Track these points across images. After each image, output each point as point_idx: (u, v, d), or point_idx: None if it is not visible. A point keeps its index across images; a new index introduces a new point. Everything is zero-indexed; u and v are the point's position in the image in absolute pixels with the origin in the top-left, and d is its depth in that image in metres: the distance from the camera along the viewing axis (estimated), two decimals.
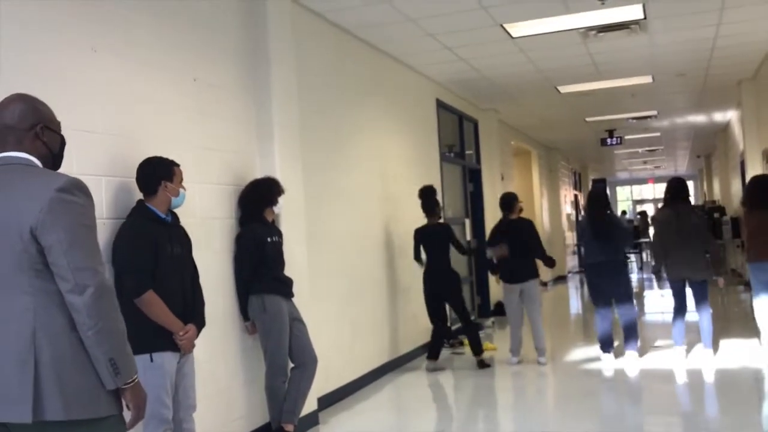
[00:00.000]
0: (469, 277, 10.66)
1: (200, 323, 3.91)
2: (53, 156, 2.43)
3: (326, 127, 6.37)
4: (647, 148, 19.87)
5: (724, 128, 16.10)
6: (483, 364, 7.29)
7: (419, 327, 8.03)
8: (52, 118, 2.43)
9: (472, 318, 10.32)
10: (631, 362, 6.91)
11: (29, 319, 2.17)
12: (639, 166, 26.14)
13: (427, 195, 7.38)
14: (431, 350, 7.41)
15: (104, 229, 3.70)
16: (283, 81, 5.38)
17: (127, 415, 2.33)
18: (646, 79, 10.10)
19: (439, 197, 7.78)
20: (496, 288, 11.52)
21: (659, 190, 31.85)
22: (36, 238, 2.17)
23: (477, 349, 7.34)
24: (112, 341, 2.22)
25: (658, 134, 16.71)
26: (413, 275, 7.68)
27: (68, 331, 2.20)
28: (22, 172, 2.29)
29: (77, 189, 2.25)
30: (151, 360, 3.57)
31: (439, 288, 7.25)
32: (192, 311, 3.85)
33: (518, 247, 7.27)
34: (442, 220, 7.69)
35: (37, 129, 2.35)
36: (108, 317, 2.22)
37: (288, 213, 5.21)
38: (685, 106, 13.00)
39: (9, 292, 2.19)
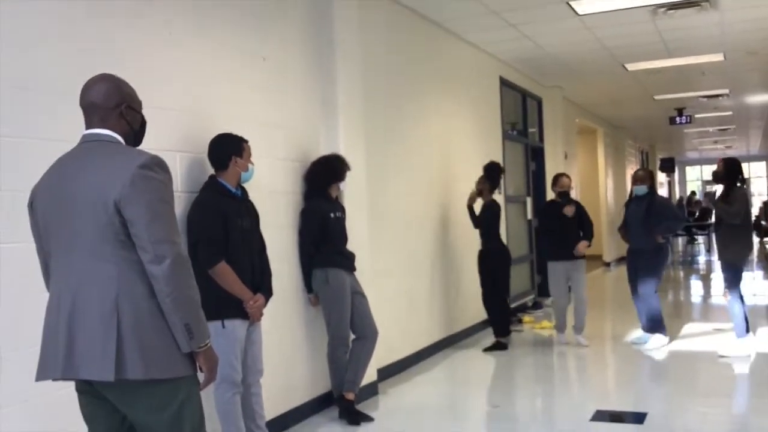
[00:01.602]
0: (529, 255, 10.65)
1: (268, 293, 4.09)
2: (135, 134, 2.58)
3: (389, 105, 6.46)
4: (718, 128, 19.30)
5: None
6: (500, 345, 7.25)
7: (475, 305, 8.09)
8: (135, 98, 2.58)
9: (532, 297, 10.36)
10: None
11: (113, 286, 2.33)
12: (709, 146, 25.41)
13: (494, 172, 7.38)
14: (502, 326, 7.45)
15: (178, 203, 3.88)
16: (348, 60, 5.49)
17: (200, 377, 2.51)
18: (717, 57, 9.83)
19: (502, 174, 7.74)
20: None
21: None
22: (119, 211, 2.32)
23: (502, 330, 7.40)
24: (188, 308, 2.38)
25: (729, 113, 16.22)
26: (470, 253, 7.70)
27: (148, 298, 2.35)
28: (107, 149, 2.46)
29: (157, 166, 2.40)
30: (223, 326, 3.76)
31: (496, 263, 7.28)
32: (260, 281, 4.03)
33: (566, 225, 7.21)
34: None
35: (121, 108, 2.50)
36: (184, 286, 2.37)
37: (351, 190, 5.34)
38: (757, 85, 12.59)
39: (95, 260, 2.35)
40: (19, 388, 3.02)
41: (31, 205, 2.52)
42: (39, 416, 3.13)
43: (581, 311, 7.29)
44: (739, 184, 6.49)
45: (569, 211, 7.15)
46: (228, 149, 4.01)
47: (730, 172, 6.53)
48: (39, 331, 2.46)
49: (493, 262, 7.27)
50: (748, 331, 6.48)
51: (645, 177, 7.23)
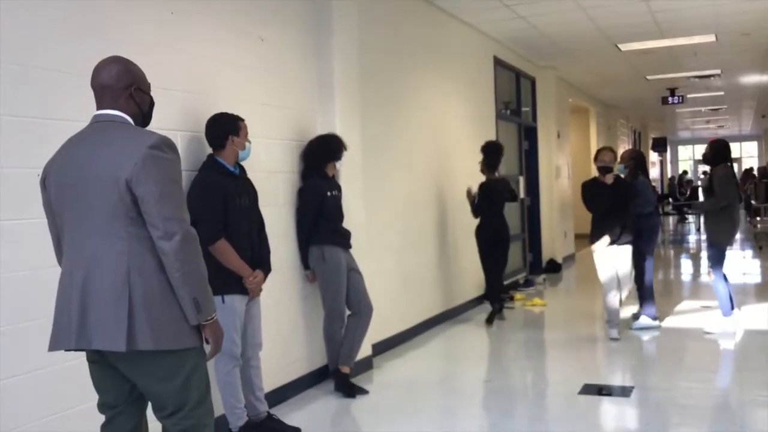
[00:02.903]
0: (521, 234, 10.79)
1: (267, 269, 4.21)
2: (143, 115, 2.68)
3: (385, 85, 6.54)
4: (710, 107, 19.42)
5: None
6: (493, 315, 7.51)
7: (470, 282, 8.26)
8: (144, 80, 2.67)
9: (523, 274, 10.53)
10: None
11: (124, 261, 2.44)
12: (701, 126, 25.55)
13: (493, 151, 7.55)
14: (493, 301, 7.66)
15: None
16: (345, 41, 5.56)
17: (207, 349, 2.62)
18: (709, 38, 9.92)
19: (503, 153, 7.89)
20: (548, 244, 11.67)
21: None
22: (130, 189, 2.42)
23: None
24: (195, 283, 2.49)
25: (721, 93, 16.34)
26: (465, 231, 7.88)
27: (158, 272, 2.46)
28: (117, 129, 2.55)
29: (167, 146, 2.51)
30: (223, 301, 3.87)
31: (498, 238, 7.51)
32: (259, 258, 4.14)
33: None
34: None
35: (131, 90, 2.59)
36: (192, 261, 2.49)
37: (347, 169, 5.43)
38: (749, 66, 12.70)
39: (107, 237, 2.46)
40: (32, 358, 3.13)
41: (44, 183, 2.61)
42: (50, 385, 3.24)
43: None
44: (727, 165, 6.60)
45: (608, 179, 6.50)
46: (224, 129, 4.08)
47: (716, 154, 6.64)
48: (50, 304, 2.57)
49: (483, 239, 7.51)
50: (732, 308, 6.64)
51: (625, 157, 7.17)
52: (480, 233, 7.58)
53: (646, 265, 7.00)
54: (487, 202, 7.49)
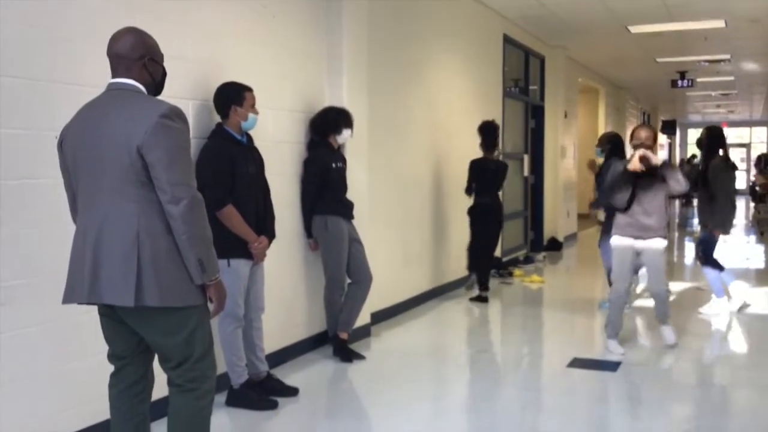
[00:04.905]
0: (524, 212, 10.93)
1: (271, 235, 4.36)
2: (156, 84, 2.82)
3: (393, 61, 6.64)
4: (721, 92, 19.38)
5: None
6: (481, 299, 7.49)
7: (465, 258, 8.39)
8: (157, 51, 2.81)
9: (524, 251, 10.67)
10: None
11: (134, 223, 2.59)
12: (712, 110, 25.48)
13: (489, 131, 7.51)
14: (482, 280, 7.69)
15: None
16: (354, 16, 5.67)
17: (210, 307, 2.79)
18: (719, 23, 9.94)
19: (499, 133, 7.83)
20: (550, 222, 11.80)
21: (733, 134, 30.99)
22: (142, 155, 2.57)
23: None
24: (201, 245, 2.64)
25: (731, 78, 16.31)
26: (461, 209, 7.97)
27: (165, 234, 2.62)
28: (130, 98, 2.70)
29: (176, 115, 2.65)
30: (228, 265, 4.03)
31: (491, 219, 7.57)
32: (264, 224, 4.30)
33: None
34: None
35: (145, 60, 2.73)
36: (198, 225, 2.63)
37: (353, 142, 5.57)
38: (760, 52, 12.68)
39: (118, 199, 2.61)
40: (44, 310, 3.32)
41: (61, 146, 2.77)
42: (62, 336, 3.44)
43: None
44: (721, 154, 6.65)
45: (635, 165, 5.31)
46: (228, 99, 4.18)
47: (711, 141, 6.68)
48: (64, 260, 2.74)
49: (476, 218, 7.57)
50: (725, 293, 6.82)
51: (603, 140, 7.08)
52: (472, 212, 7.58)
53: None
54: (479, 181, 7.44)
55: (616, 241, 5.53)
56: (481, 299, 7.47)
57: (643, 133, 5.51)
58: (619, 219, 5.50)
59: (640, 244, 5.44)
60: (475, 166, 7.45)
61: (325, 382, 4.95)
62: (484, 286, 7.57)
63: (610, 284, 6.97)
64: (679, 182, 5.33)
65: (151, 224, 2.61)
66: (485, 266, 7.69)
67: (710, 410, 4.46)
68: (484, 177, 7.44)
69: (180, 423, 2.78)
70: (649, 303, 7.06)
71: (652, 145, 5.57)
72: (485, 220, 7.53)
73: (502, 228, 7.93)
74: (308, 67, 5.39)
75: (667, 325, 5.71)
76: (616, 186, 5.36)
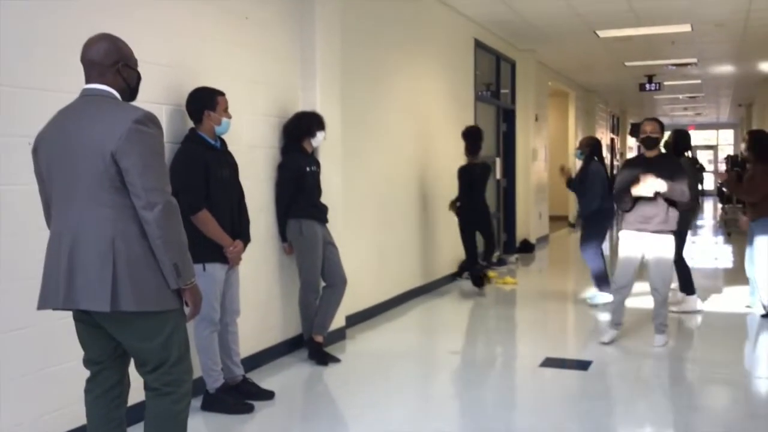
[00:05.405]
0: (497, 213, 11.03)
1: (246, 239, 4.39)
2: (130, 89, 2.84)
3: (365, 64, 6.69)
4: (688, 95, 19.71)
5: (766, 79, 15.94)
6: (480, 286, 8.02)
7: (447, 257, 8.50)
8: (131, 57, 2.82)
9: (496, 253, 10.78)
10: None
11: (109, 228, 2.61)
12: (680, 113, 25.88)
13: (474, 136, 7.89)
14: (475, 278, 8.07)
15: None
16: (327, 20, 5.71)
17: (186, 311, 2.81)
18: (685, 28, 10.15)
19: (483, 137, 8.19)
20: (522, 225, 11.93)
21: (701, 137, 31.51)
22: (116, 161, 2.58)
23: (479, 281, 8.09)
24: (176, 249, 2.66)
25: (698, 81, 16.61)
26: (443, 209, 8.12)
27: (140, 239, 2.63)
28: (104, 103, 2.71)
29: (150, 121, 2.67)
30: (204, 269, 4.04)
31: (478, 219, 7.95)
32: (239, 228, 4.32)
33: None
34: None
35: (118, 66, 2.75)
36: (173, 230, 2.65)
37: (327, 145, 5.60)
38: (725, 56, 12.95)
39: (93, 204, 2.62)
40: (19, 316, 3.31)
41: (35, 152, 2.77)
42: (37, 342, 3.42)
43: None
44: (688, 155, 6.85)
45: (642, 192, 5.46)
46: (201, 103, 4.19)
47: (677, 144, 6.89)
48: (38, 265, 2.74)
49: (463, 220, 7.96)
50: (694, 291, 6.95)
51: (583, 143, 7.56)
52: (461, 215, 7.98)
53: (595, 252, 7.29)
54: (466, 186, 7.85)
55: (623, 234, 5.73)
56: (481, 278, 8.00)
57: (648, 127, 5.62)
58: (626, 216, 5.69)
59: (646, 238, 5.56)
60: (464, 173, 7.85)
61: (301, 385, 4.97)
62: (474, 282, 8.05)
63: (597, 287, 7.19)
64: (683, 194, 5.46)
65: (126, 229, 2.62)
66: (471, 265, 8.10)
67: (681, 407, 4.55)
68: (472, 181, 7.82)
69: (157, 427, 2.79)
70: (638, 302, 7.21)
71: (659, 137, 5.65)
72: (477, 220, 7.95)
73: (491, 224, 8.33)
74: (282, 69, 5.42)
75: (663, 334, 5.76)
76: (622, 196, 5.60)
